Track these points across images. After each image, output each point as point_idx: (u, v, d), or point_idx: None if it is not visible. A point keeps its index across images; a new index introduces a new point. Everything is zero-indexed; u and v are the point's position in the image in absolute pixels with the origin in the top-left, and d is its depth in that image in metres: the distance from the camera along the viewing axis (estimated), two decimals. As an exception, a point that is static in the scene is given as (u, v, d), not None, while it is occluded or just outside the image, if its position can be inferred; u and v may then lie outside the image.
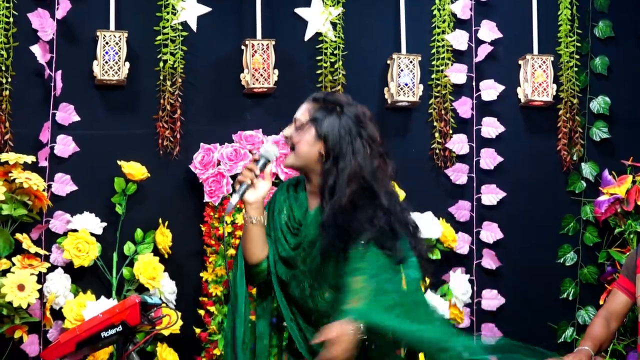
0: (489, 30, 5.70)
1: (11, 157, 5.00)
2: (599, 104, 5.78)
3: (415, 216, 5.27)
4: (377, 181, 3.83)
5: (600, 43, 5.84)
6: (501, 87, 5.69)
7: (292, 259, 4.00)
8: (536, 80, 5.64)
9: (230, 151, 5.27)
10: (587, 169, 5.75)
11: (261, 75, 5.38)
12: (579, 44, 5.76)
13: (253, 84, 5.37)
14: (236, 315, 4.07)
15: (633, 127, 5.83)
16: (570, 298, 5.68)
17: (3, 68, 5.19)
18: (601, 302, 5.43)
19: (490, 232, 5.62)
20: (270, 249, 4.08)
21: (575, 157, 5.75)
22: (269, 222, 4.09)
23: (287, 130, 3.95)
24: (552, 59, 5.68)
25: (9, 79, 5.21)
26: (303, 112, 3.96)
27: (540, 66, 5.65)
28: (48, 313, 5.04)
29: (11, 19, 5.20)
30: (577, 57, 5.76)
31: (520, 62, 5.71)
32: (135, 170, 5.20)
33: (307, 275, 3.97)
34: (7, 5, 5.19)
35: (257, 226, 4.03)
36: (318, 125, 3.93)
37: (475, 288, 5.57)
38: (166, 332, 4.80)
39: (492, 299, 5.59)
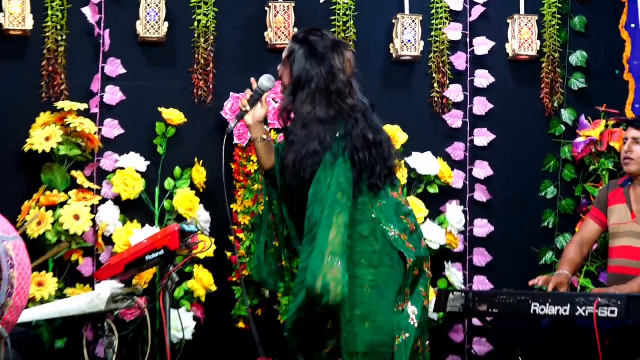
0: None
1: (66, 105, 5.05)
2: (577, 57, 5.75)
3: (417, 156, 5.33)
4: (330, 102, 3.89)
5: (578, 4, 5.80)
6: (492, 43, 5.67)
7: None
8: (522, 37, 5.62)
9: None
10: (566, 115, 5.72)
11: (282, 33, 5.38)
12: (560, 5, 5.73)
13: (275, 40, 5.38)
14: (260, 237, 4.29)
15: (607, 78, 5.80)
16: (550, 226, 5.69)
17: (59, 27, 5.20)
18: (577, 230, 5.47)
19: (482, 170, 5.63)
20: (276, 160, 4.17)
21: (556, 104, 5.72)
22: None
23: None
24: (536, 18, 5.66)
25: (64, 37, 5.21)
26: (285, 51, 4.07)
27: (526, 25, 5.63)
28: (100, 239, 5.11)
29: (66, -16, 5.23)
30: (559, 16, 5.72)
31: (509, 21, 5.69)
32: (174, 116, 5.23)
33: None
34: (62, -28, 5.22)
35: (260, 142, 4.16)
36: (291, 62, 4.02)
37: (468, 218, 5.59)
38: (202, 256, 4.83)
39: (482, 227, 5.61)
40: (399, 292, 3.84)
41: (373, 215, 3.86)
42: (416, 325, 3.87)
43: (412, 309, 3.87)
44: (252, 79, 4.09)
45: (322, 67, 3.94)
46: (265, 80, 4.16)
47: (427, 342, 4.03)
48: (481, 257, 5.60)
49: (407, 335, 3.83)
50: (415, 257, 3.87)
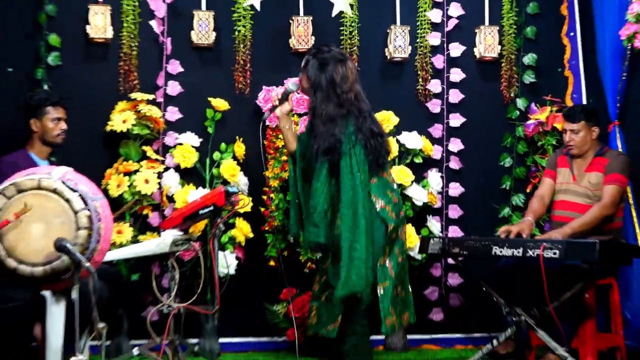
0: (455, 9, 5.64)
1: (138, 95, 5.11)
2: (529, 58, 5.70)
3: (406, 134, 5.35)
4: (339, 102, 4.08)
5: (530, 17, 5.74)
6: (463, 48, 5.64)
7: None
8: (487, 43, 5.60)
9: (282, 91, 5.29)
10: (520, 103, 5.68)
11: (303, 40, 5.38)
12: (516, 18, 5.68)
13: (297, 46, 5.38)
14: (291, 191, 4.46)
15: (551, 74, 5.73)
16: (508, 188, 5.66)
17: (132, 36, 5.23)
18: (528, 191, 5.52)
19: (455, 145, 5.60)
20: (297, 146, 4.34)
21: (512, 95, 5.68)
22: None
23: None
24: (497, 28, 5.63)
25: (136, 44, 5.25)
26: (303, 62, 4.24)
27: (489, 33, 5.61)
28: (164, 198, 5.17)
29: (137, 3, 5.24)
30: (515, 27, 5.67)
31: (476, 30, 5.66)
32: (220, 103, 5.26)
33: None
34: (134, -7, 5.23)
35: (286, 130, 4.37)
36: (307, 71, 4.16)
37: (444, 181, 5.56)
38: (241, 211, 4.87)
39: (456, 189, 5.59)
40: (382, 251, 4.00)
41: (368, 190, 4.01)
42: (393, 275, 4.02)
43: (390, 264, 4.03)
44: (287, 80, 4.22)
45: (327, 75, 4.10)
46: (292, 84, 4.32)
47: (409, 289, 4.20)
48: (454, 212, 5.59)
49: (387, 283, 4.01)
50: (395, 224, 4.04)
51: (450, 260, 5.53)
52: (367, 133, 4.06)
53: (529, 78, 5.73)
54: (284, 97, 4.40)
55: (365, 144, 4.04)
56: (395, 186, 4.22)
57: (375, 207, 4.04)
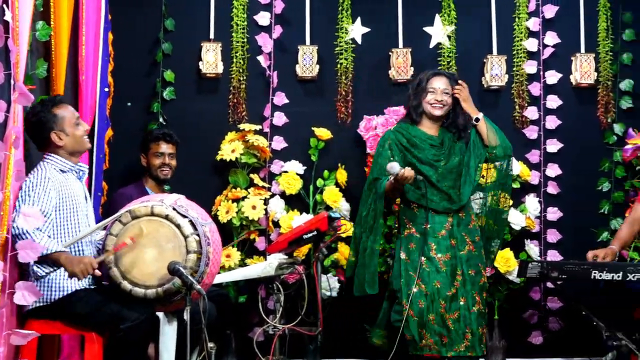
0: (551, 38, 5.52)
1: (246, 126, 5.15)
2: (625, 84, 5.52)
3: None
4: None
5: (626, 44, 5.56)
6: (559, 75, 5.50)
7: None
8: (583, 70, 5.46)
9: (382, 120, 5.27)
10: (617, 128, 5.49)
11: (402, 71, 5.34)
12: (612, 45, 5.51)
13: (397, 77, 5.34)
14: None
15: None
16: (606, 212, 5.47)
17: (241, 71, 5.29)
18: (626, 215, 5.29)
19: (553, 170, 5.46)
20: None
21: (609, 120, 5.50)
22: None
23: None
24: (593, 55, 5.48)
25: (245, 78, 5.31)
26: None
27: (585, 60, 5.47)
28: (270, 223, 5.17)
29: (245, 40, 5.30)
30: (611, 54, 5.51)
31: (572, 58, 5.51)
32: (323, 133, 5.25)
33: None
34: (243, 31, 5.29)
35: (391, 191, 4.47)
36: None
37: (542, 206, 5.42)
38: (344, 235, 4.83)
39: (553, 213, 5.44)
40: None
41: None
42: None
43: None
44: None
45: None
46: (390, 168, 4.27)
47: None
48: (553, 236, 5.43)
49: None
50: None
51: (549, 284, 5.36)
52: None
53: (625, 103, 5.55)
54: (393, 176, 4.31)
55: None
56: None
57: None
